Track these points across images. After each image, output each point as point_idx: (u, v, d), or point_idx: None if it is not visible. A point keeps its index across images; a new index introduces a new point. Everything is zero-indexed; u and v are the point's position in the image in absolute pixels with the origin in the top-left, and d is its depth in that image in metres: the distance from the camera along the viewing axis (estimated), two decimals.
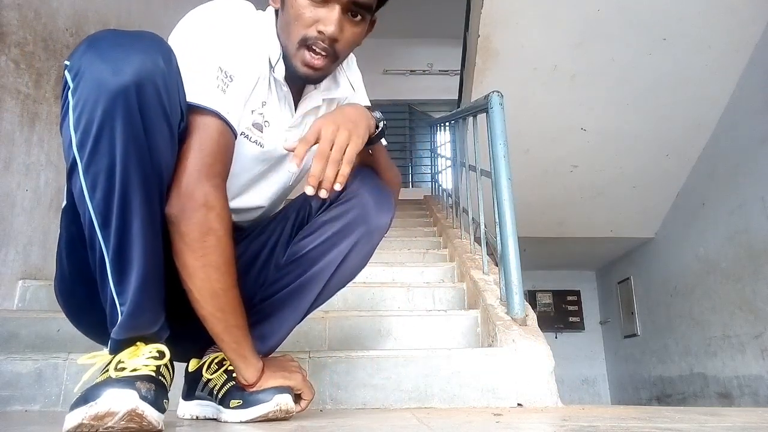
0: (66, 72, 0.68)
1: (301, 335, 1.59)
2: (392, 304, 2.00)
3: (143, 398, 0.65)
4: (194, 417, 0.96)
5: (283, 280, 0.96)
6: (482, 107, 1.87)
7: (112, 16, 2.49)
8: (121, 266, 0.70)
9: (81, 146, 0.66)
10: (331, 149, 0.82)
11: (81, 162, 0.67)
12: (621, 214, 4.67)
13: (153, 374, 0.71)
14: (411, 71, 6.93)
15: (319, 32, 0.85)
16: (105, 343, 0.86)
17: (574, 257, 5.98)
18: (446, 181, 4.43)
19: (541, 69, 3.53)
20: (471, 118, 2.21)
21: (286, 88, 0.94)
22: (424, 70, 6.97)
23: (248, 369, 0.87)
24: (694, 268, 4.27)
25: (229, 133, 0.82)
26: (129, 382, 0.67)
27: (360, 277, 2.41)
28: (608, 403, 6.20)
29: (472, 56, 3.57)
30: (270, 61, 0.91)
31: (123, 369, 0.70)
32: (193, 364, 0.97)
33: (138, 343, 0.75)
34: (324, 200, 0.96)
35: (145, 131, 0.68)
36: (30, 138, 1.95)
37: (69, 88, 0.67)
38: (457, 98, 4.42)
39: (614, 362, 6.33)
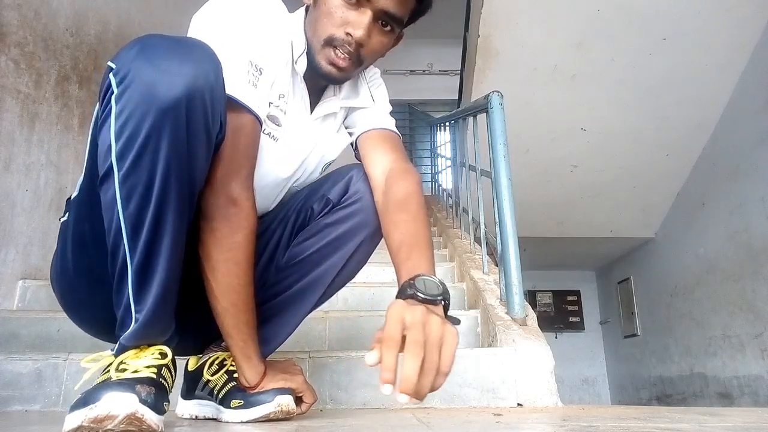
0: (111, 75, 0.66)
1: (301, 335, 1.59)
2: None
3: (143, 402, 0.65)
4: (194, 416, 0.96)
5: (284, 282, 0.96)
6: (482, 107, 1.87)
7: (112, 16, 2.49)
8: (143, 278, 0.70)
9: (121, 156, 0.65)
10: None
11: (118, 171, 0.66)
12: (621, 214, 4.67)
13: (154, 376, 0.70)
14: (411, 71, 6.93)
15: (347, 34, 0.84)
16: (101, 338, 0.86)
17: (574, 257, 5.98)
18: (446, 181, 4.43)
19: (541, 69, 3.53)
20: (471, 118, 2.21)
21: (303, 85, 0.93)
22: (424, 70, 6.97)
23: (251, 370, 0.87)
24: (694, 268, 4.26)
25: (258, 129, 0.82)
26: (129, 385, 0.66)
27: (360, 277, 2.40)
28: (608, 403, 6.20)
29: (472, 56, 3.57)
30: (293, 54, 0.90)
31: (124, 370, 0.70)
32: (192, 363, 0.97)
33: (142, 346, 0.75)
34: (327, 203, 0.95)
35: (188, 147, 0.68)
36: (30, 138, 1.95)
37: (113, 92, 0.65)
38: (457, 98, 4.41)
39: (614, 362, 6.33)
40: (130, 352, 0.72)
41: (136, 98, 0.63)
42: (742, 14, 3.16)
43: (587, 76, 3.54)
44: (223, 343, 0.93)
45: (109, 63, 0.67)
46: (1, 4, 1.84)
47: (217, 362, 0.93)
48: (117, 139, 0.65)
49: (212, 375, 0.92)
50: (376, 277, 2.32)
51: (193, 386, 0.96)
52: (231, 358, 0.92)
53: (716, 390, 4.01)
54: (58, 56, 2.11)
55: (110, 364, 0.71)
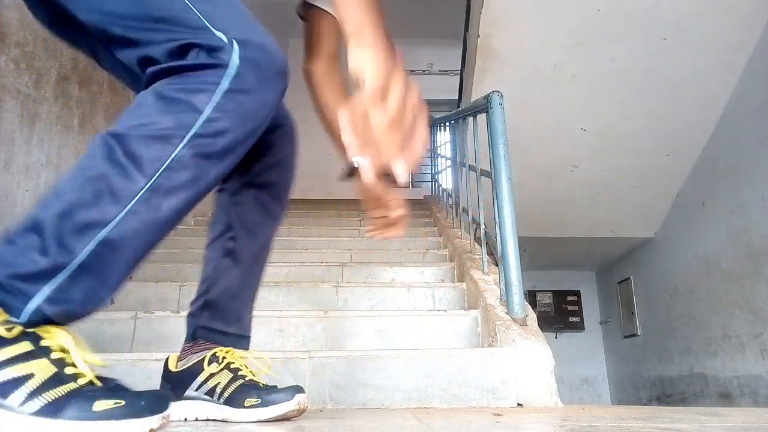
0: (224, 77, 0.65)
1: (301, 335, 1.59)
2: (392, 304, 2.00)
3: None
4: (193, 418, 0.92)
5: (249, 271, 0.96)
6: (482, 107, 1.87)
7: None
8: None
9: (198, 135, 0.64)
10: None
11: (173, 159, 0.63)
12: (621, 214, 4.67)
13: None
14: (411, 71, 6.92)
15: None
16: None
17: (574, 257, 5.98)
18: (446, 181, 4.43)
19: (541, 69, 3.53)
20: (471, 118, 2.21)
21: None
22: (424, 70, 6.97)
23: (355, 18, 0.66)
24: (694, 268, 4.27)
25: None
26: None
27: (360, 277, 2.40)
28: (608, 403, 6.20)
29: (472, 56, 3.57)
30: None
31: (71, 365, 0.58)
32: (173, 362, 0.92)
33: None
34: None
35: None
36: (30, 138, 1.95)
37: (225, 73, 0.65)
38: (457, 98, 4.41)
39: (614, 362, 6.33)
40: (62, 338, 0.60)
41: (231, 121, 0.66)
42: (742, 14, 3.16)
43: (587, 76, 3.54)
44: (201, 339, 0.90)
45: (222, 56, 0.65)
46: (1, 5, 1.84)
47: (217, 358, 0.90)
48: (195, 136, 0.65)
49: (214, 371, 0.89)
50: (376, 277, 2.32)
51: (182, 388, 0.91)
52: (228, 353, 0.89)
53: (716, 390, 4.01)
54: (58, 56, 2.11)
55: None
